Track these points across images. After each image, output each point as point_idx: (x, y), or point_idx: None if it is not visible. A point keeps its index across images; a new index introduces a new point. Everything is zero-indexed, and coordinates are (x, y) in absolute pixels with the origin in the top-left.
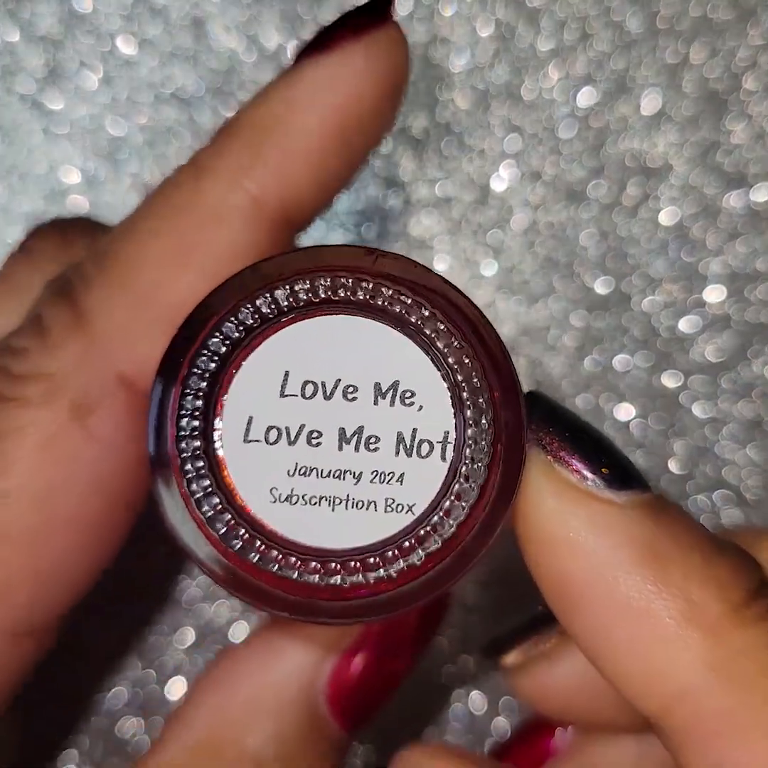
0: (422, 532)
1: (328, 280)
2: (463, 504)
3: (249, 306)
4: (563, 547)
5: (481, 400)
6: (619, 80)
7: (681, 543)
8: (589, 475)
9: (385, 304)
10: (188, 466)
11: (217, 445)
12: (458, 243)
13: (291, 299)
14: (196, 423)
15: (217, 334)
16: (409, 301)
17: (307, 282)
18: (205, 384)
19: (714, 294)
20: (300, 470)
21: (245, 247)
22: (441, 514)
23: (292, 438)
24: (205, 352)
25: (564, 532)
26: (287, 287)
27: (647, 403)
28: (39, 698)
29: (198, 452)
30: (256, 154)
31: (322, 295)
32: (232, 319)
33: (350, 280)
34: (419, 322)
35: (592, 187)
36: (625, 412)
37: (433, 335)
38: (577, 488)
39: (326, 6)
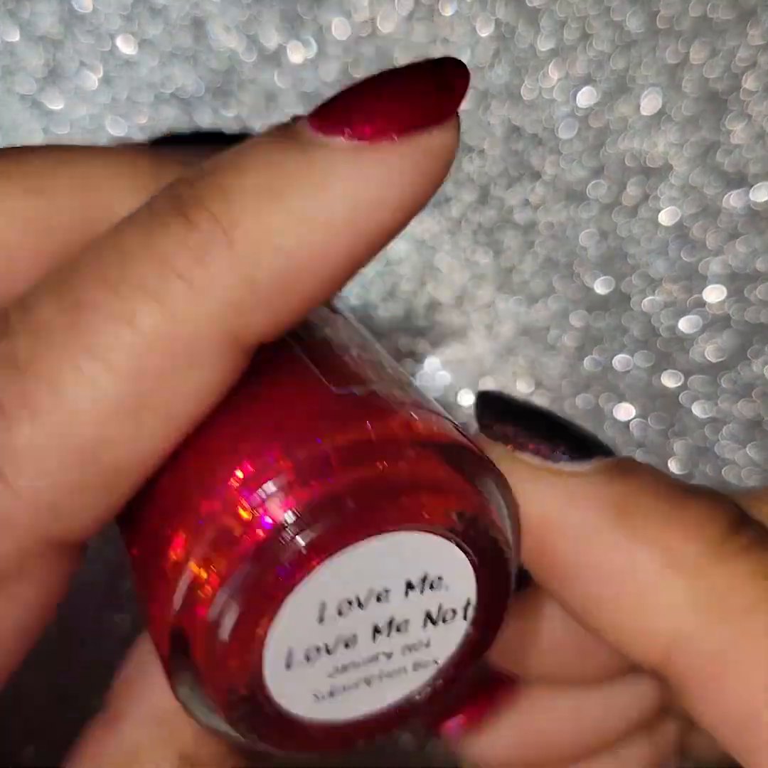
0: (445, 676)
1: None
2: (480, 650)
3: (279, 554)
4: (542, 529)
5: (501, 567)
6: (619, 80)
7: (651, 495)
8: (550, 454)
9: (424, 518)
10: (235, 713)
11: (263, 686)
12: (458, 243)
13: (316, 542)
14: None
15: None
16: (452, 513)
17: (336, 517)
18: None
19: (714, 294)
20: (339, 669)
21: (214, 386)
22: (461, 660)
23: (330, 649)
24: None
25: (540, 514)
26: (309, 531)
27: (647, 403)
28: (40, 698)
29: (244, 702)
30: (252, 293)
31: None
32: (259, 574)
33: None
34: (453, 525)
35: (591, 187)
36: (625, 412)
37: (462, 528)
38: (542, 469)
39: (326, 6)
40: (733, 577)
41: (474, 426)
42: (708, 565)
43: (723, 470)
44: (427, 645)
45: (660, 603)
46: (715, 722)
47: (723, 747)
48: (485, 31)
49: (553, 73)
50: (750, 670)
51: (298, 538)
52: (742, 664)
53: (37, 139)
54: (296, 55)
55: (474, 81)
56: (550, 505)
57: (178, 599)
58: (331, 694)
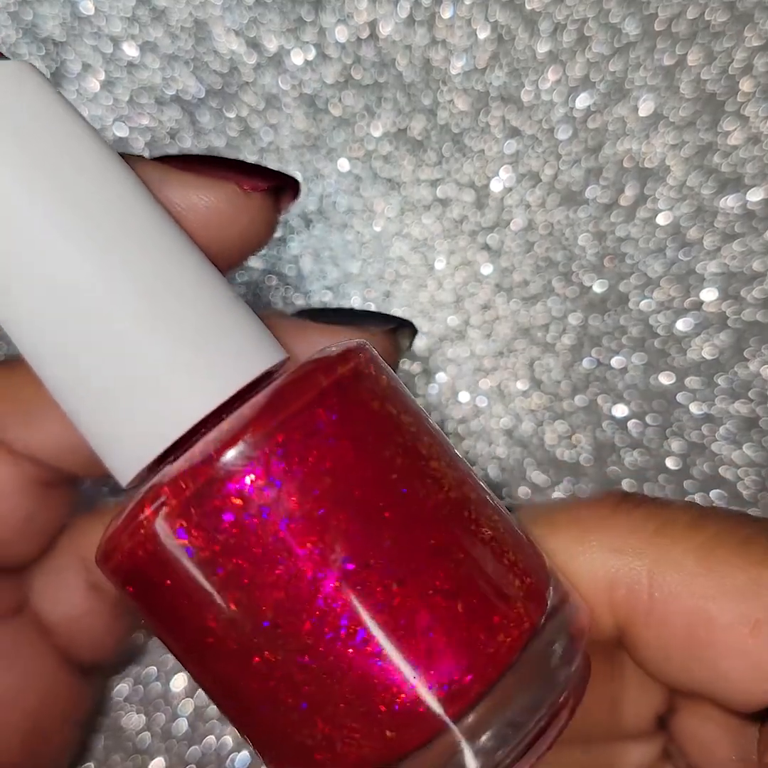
0: None
1: None
2: None
3: None
4: None
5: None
6: (616, 82)
7: (554, 505)
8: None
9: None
10: None
11: None
12: (457, 243)
13: None
14: None
15: None
16: None
17: None
18: None
19: (710, 294)
20: None
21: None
22: None
23: None
24: None
25: None
26: None
27: (644, 402)
28: None
29: None
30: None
31: None
32: None
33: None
34: None
35: (589, 189)
36: (623, 411)
37: None
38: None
39: (327, 8)
40: (634, 522)
41: (473, 418)
42: (611, 521)
43: (720, 469)
44: None
45: (586, 561)
46: (663, 643)
47: (671, 677)
48: (483, 34)
49: (551, 76)
50: (667, 577)
51: None
52: (661, 576)
53: None
54: (297, 57)
55: (473, 83)
56: None
57: None
58: None
